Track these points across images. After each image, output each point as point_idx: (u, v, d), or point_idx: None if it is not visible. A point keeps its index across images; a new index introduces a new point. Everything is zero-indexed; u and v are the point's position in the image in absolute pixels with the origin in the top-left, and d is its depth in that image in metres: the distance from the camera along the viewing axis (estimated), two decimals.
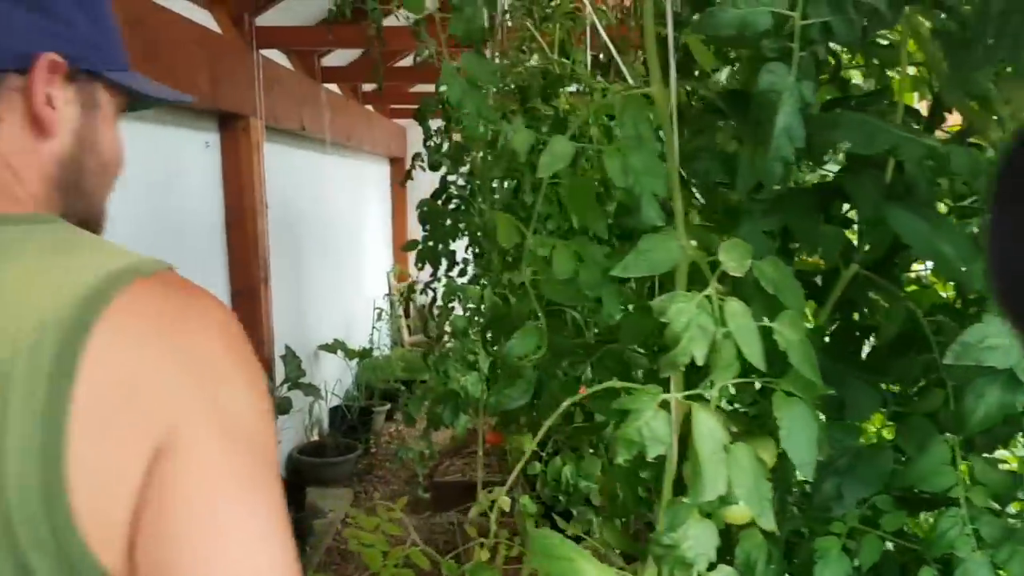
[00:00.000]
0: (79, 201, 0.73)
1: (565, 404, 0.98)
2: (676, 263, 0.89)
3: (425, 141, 2.96)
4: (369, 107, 6.11)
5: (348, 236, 6.02)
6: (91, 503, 0.52)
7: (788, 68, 0.78)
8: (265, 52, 3.78)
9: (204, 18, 3.45)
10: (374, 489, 4.75)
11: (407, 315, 7.22)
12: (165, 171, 3.20)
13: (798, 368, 0.81)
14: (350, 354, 5.41)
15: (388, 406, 5.62)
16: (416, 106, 6.42)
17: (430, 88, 5.90)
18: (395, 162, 7.46)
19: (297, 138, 4.61)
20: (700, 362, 0.80)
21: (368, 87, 5.82)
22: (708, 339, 0.81)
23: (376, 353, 6.06)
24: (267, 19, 3.83)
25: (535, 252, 1.17)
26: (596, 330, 1.51)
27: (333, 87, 5.15)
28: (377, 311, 6.54)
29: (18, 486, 0.51)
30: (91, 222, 0.75)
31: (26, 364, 0.53)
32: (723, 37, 0.79)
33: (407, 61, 5.57)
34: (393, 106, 6.69)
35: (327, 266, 5.37)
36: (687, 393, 0.85)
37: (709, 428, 0.81)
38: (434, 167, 2.95)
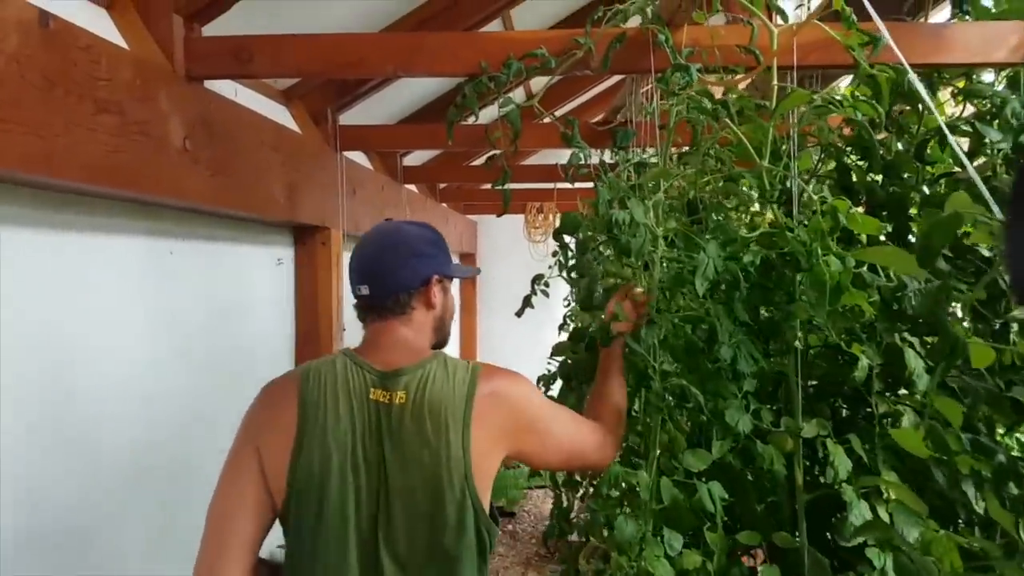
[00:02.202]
0: (441, 336, 1.57)
1: None
2: None
3: (564, 259, 2.36)
4: (444, 205, 5.64)
5: None
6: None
7: None
8: (347, 154, 3.29)
9: (280, 114, 2.98)
10: None
11: None
12: (232, 295, 2.67)
13: None
14: None
15: None
16: (484, 201, 5.98)
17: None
18: (465, 258, 6.98)
19: None
20: None
21: (443, 184, 5.39)
22: None
23: None
24: (349, 118, 3.36)
25: None
26: None
27: (411, 187, 4.67)
28: None
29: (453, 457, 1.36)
30: (443, 342, 1.58)
31: (454, 403, 1.39)
32: None
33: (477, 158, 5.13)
34: (466, 203, 6.23)
35: None
36: None
37: None
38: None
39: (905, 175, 1.96)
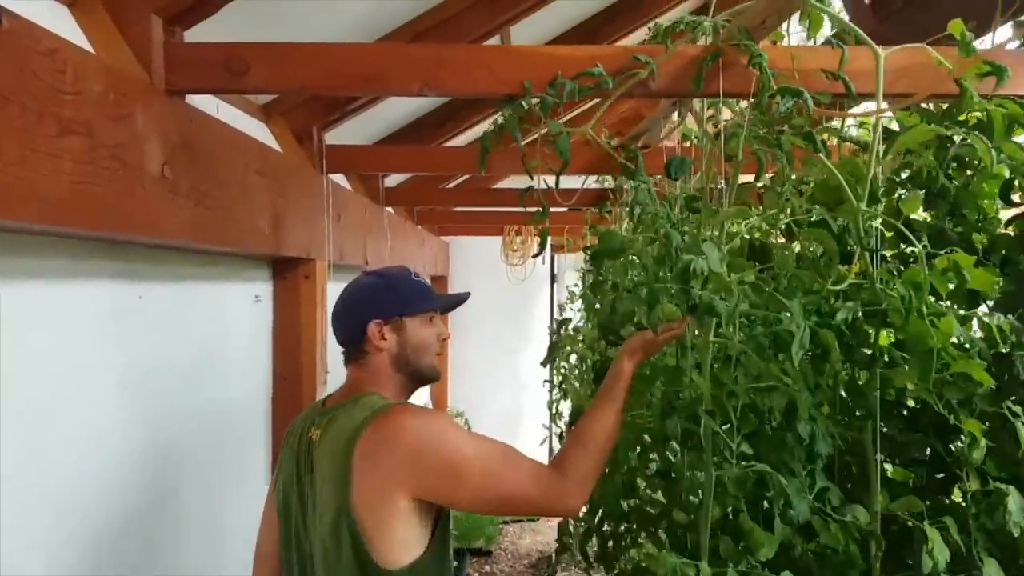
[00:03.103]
0: (410, 369, 1.60)
1: None
2: None
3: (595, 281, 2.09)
4: (420, 227, 5.32)
5: None
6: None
7: None
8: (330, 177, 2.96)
9: (259, 132, 2.64)
10: None
11: None
12: (206, 339, 2.31)
13: None
14: None
15: None
16: (460, 224, 5.69)
17: (472, 208, 5.24)
18: (437, 280, 6.65)
19: (351, 272, 3.75)
20: None
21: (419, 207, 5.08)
22: None
23: None
24: (331, 138, 3.03)
25: None
26: None
27: (389, 209, 4.34)
28: None
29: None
30: (420, 375, 1.63)
31: (341, 443, 1.43)
32: None
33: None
34: (440, 224, 5.92)
35: None
36: None
37: None
38: None
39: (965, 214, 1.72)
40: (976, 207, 1.70)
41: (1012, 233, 1.69)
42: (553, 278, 6.68)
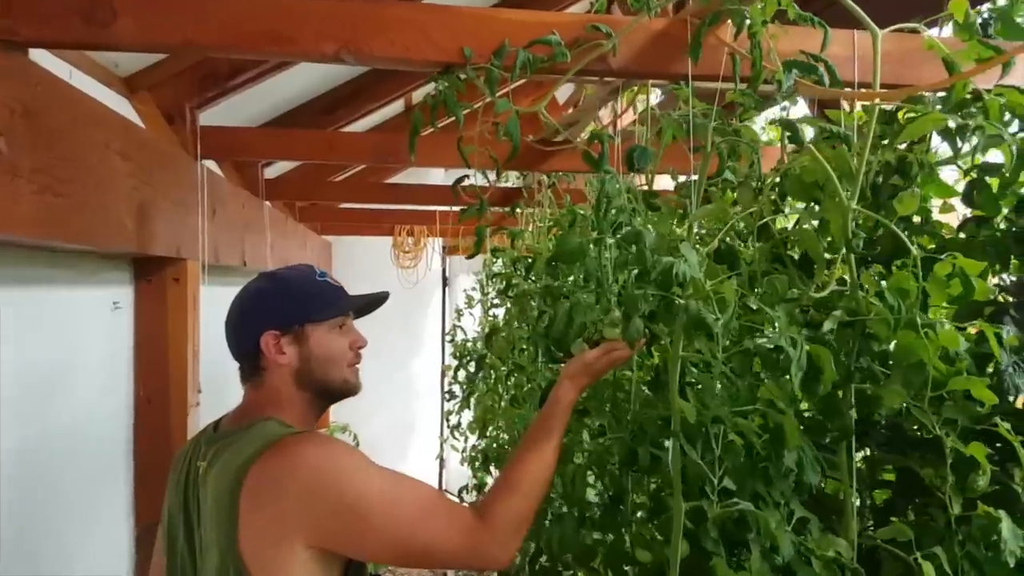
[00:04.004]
0: (317, 385, 1.38)
1: None
2: None
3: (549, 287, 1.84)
4: (303, 225, 4.89)
5: None
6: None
7: None
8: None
9: (121, 107, 2.22)
10: None
11: None
12: (54, 355, 1.88)
13: None
14: None
15: None
16: (345, 222, 5.31)
17: (359, 205, 4.89)
18: None
19: (227, 273, 3.32)
20: None
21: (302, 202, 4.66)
22: None
23: None
24: (207, 119, 2.62)
25: None
26: None
27: (268, 204, 3.92)
28: None
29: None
30: (329, 391, 1.40)
31: (228, 479, 1.22)
32: None
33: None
34: (323, 222, 5.49)
35: None
36: None
37: None
38: None
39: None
40: (924, 210, 1.58)
41: (963, 237, 1.58)
42: (445, 281, 6.38)
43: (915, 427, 1.49)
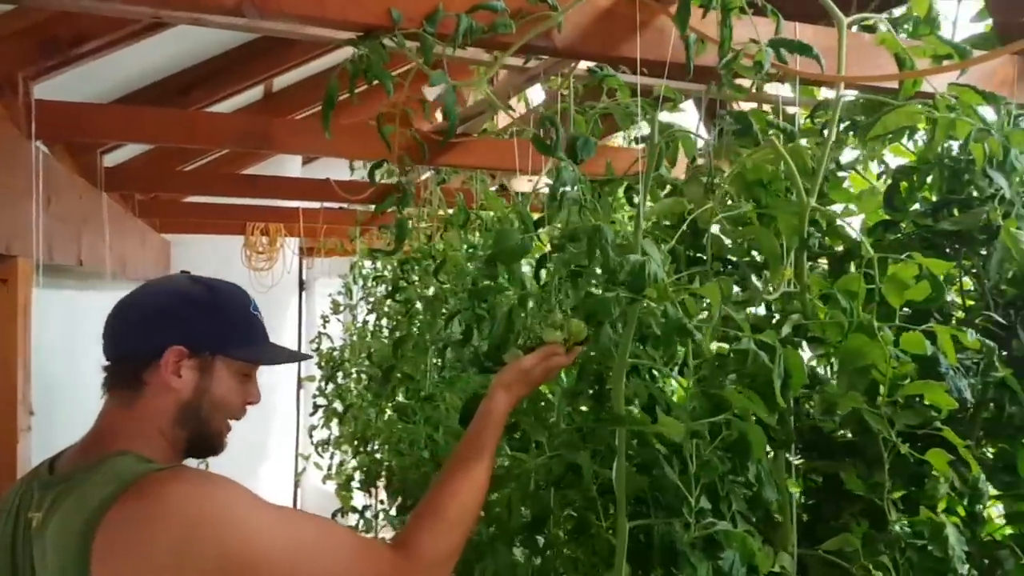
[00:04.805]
0: (195, 432, 1.16)
1: None
2: None
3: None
4: (140, 220, 4.38)
5: None
6: None
7: None
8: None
9: None
10: None
11: None
12: None
13: None
14: None
15: None
16: (188, 219, 4.85)
17: (208, 199, 4.44)
18: None
19: (60, 274, 2.87)
20: None
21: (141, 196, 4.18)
22: None
23: None
24: (44, 92, 2.23)
25: None
26: None
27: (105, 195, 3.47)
28: None
29: None
30: (207, 442, 1.19)
31: (73, 533, 0.99)
32: None
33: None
34: (163, 219, 4.96)
35: None
36: None
37: None
38: None
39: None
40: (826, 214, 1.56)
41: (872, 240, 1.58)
42: (303, 285, 5.98)
43: (840, 432, 1.47)
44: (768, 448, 1.36)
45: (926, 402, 1.27)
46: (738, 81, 1.40)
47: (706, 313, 1.10)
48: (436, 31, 1.22)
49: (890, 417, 1.26)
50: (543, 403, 1.51)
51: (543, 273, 1.41)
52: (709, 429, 1.17)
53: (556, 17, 1.26)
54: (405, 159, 1.34)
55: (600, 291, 1.16)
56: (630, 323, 1.14)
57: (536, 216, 1.47)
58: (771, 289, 1.30)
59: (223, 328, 1.18)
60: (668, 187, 1.47)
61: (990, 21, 1.72)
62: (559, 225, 1.38)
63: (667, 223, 1.48)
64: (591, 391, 1.42)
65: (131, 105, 2.79)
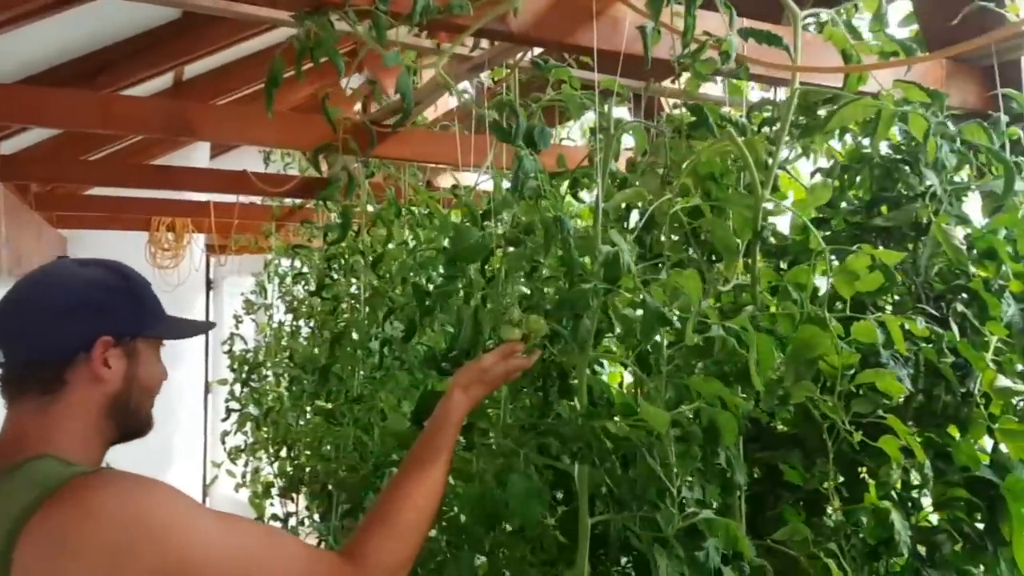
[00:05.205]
0: (127, 421, 1.12)
1: None
2: None
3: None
4: (37, 214, 4.09)
5: None
6: None
7: None
8: None
9: None
10: None
11: None
12: None
13: None
14: None
15: None
16: (88, 213, 4.56)
17: (112, 192, 4.17)
18: None
19: None
20: None
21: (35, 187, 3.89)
22: None
23: None
24: None
25: None
26: None
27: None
28: None
29: None
30: (136, 428, 1.14)
31: None
32: None
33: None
34: (60, 213, 4.63)
35: None
36: None
37: None
38: None
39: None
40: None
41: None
42: (210, 284, 5.72)
43: (776, 423, 1.50)
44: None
45: (877, 390, 1.29)
46: (687, 74, 1.40)
47: (677, 303, 1.09)
48: (389, 9, 1.17)
49: (843, 407, 1.28)
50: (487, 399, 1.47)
51: (488, 269, 1.38)
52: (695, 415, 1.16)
53: (513, 1, 1.22)
54: (352, 144, 1.27)
55: (563, 284, 1.14)
56: (594, 315, 1.12)
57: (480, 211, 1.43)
58: (724, 281, 1.30)
59: (139, 309, 1.13)
60: (617, 180, 1.46)
61: (916, 26, 1.80)
62: (508, 219, 1.34)
63: (613, 218, 1.47)
64: (535, 387, 1.40)
65: (38, 86, 2.58)
